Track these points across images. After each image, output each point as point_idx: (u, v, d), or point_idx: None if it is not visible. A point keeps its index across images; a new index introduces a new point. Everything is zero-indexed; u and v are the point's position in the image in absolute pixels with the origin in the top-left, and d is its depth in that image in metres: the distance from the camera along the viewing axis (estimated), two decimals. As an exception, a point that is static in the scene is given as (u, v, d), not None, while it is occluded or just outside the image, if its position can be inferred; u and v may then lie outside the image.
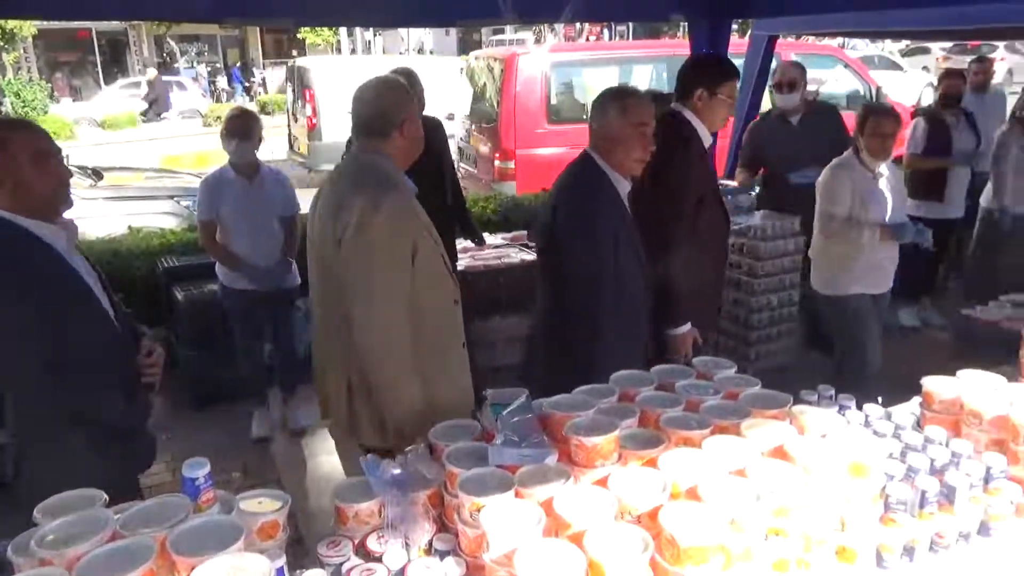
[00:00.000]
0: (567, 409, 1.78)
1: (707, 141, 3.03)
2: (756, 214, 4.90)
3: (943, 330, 5.14)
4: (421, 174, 2.48)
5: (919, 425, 2.00)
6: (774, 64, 5.44)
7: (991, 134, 5.30)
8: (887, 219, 3.63)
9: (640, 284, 2.68)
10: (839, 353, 3.90)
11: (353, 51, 23.47)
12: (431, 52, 33.83)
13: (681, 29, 18.49)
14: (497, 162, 7.69)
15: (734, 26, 5.87)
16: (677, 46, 7.99)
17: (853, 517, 1.65)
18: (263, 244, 4.02)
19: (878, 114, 3.64)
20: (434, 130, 4.16)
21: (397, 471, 1.66)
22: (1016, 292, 4.23)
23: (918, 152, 5.36)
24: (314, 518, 2.86)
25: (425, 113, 3.20)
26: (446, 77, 10.29)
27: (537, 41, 25.75)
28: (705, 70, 3.04)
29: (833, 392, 2.13)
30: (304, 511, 2.99)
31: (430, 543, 1.61)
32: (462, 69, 10.31)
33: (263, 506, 1.59)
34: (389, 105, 2.28)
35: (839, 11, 4.89)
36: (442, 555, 1.58)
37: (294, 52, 28.65)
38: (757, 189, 5.01)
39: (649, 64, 8.45)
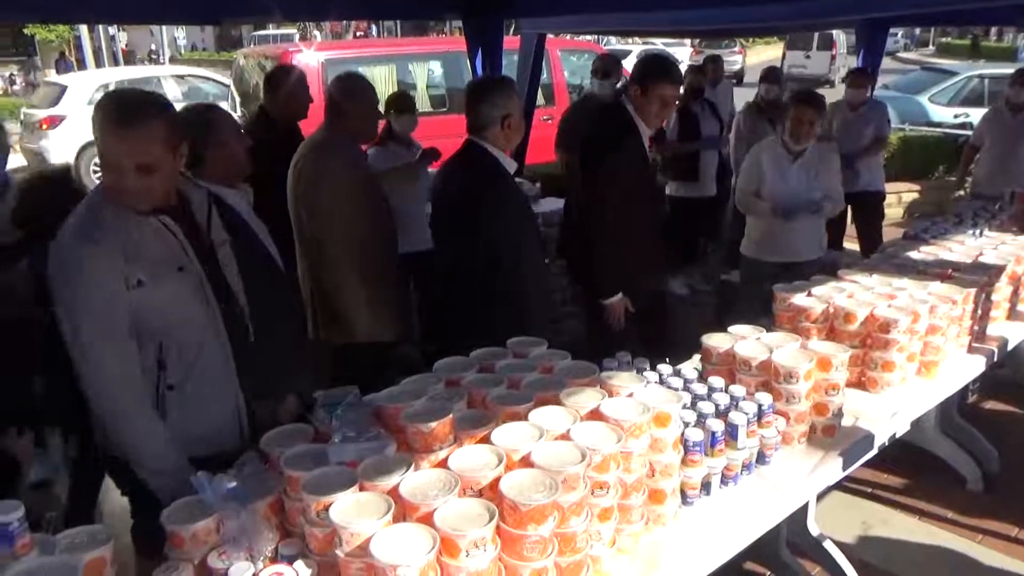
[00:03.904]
0: (399, 400, 1.84)
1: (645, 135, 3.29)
2: (540, 202, 5.20)
3: (708, 295, 5.81)
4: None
5: (702, 377, 2.30)
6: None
7: (727, 121, 6.03)
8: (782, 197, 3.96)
9: (545, 266, 3.01)
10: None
11: (98, 49, 21.24)
12: (204, 48, 31.48)
13: (447, 26, 18.89)
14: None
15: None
16: (452, 43, 8.20)
17: (660, 463, 1.88)
18: None
19: (800, 103, 3.96)
20: None
21: (232, 484, 1.62)
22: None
23: (673, 139, 5.98)
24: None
25: None
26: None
27: (303, 37, 25.00)
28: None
29: (630, 357, 2.38)
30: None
31: (275, 550, 1.60)
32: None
33: (87, 544, 1.49)
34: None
35: (594, 12, 5.31)
36: (290, 559, 1.57)
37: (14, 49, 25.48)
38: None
39: (425, 61, 8.59)
